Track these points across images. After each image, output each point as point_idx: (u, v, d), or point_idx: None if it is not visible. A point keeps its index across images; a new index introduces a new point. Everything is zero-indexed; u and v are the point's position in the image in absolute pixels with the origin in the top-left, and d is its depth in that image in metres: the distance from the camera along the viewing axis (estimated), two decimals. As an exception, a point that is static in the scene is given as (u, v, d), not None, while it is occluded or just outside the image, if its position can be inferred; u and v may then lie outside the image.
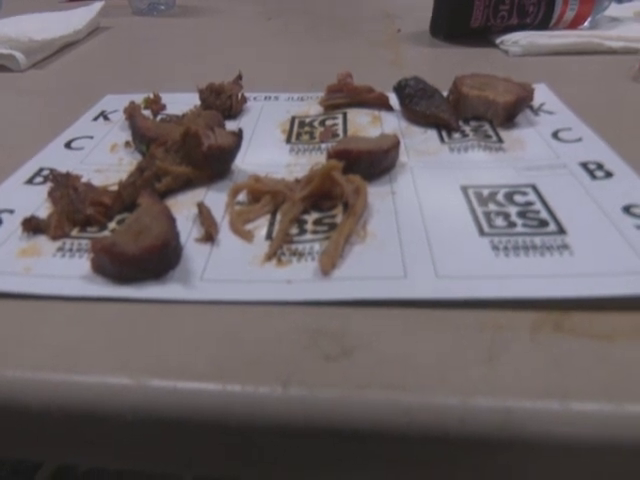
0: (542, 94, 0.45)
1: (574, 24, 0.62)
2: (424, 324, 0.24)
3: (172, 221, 0.28)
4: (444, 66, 0.58)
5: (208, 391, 0.21)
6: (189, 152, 0.34)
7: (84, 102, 0.49)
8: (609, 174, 0.33)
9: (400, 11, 0.81)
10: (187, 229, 0.30)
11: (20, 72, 0.60)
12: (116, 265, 0.26)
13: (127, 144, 0.40)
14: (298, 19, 0.80)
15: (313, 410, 0.21)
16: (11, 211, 0.33)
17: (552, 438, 0.20)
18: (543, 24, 0.61)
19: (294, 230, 0.30)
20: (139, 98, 0.47)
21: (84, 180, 0.35)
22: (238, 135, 0.35)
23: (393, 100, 0.45)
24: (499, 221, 0.29)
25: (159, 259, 0.27)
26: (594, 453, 0.20)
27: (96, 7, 0.76)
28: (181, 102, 0.47)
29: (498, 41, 0.61)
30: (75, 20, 0.71)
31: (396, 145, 0.35)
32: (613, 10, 0.64)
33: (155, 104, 0.46)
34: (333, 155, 0.33)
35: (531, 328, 0.23)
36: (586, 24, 0.62)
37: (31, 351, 0.23)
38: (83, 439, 0.22)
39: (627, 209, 0.30)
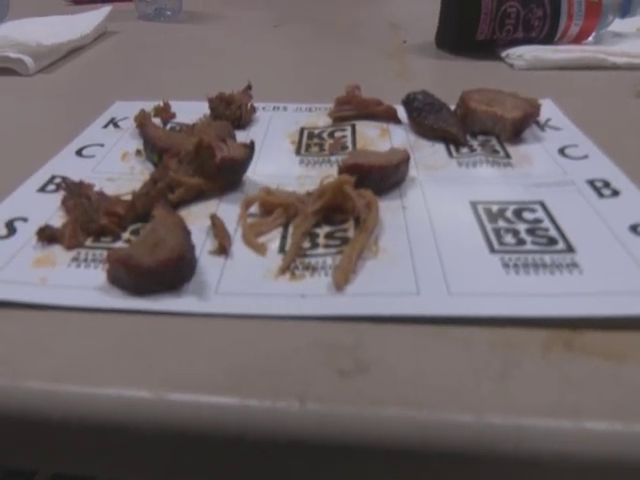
0: (548, 109, 0.46)
1: (578, 39, 0.62)
2: (437, 340, 0.24)
3: (187, 234, 0.28)
4: (450, 78, 0.59)
5: (227, 405, 0.21)
6: (202, 164, 0.34)
7: (92, 107, 0.50)
8: (615, 192, 0.34)
9: (405, 22, 0.82)
10: (201, 241, 0.31)
11: (28, 76, 0.60)
12: (132, 277, 0.27)
13: (138, 153, 0.41)
14: (304, 27, 0.81)
15: (329, 426, 0.21)
16: (25, 219, 0.33)
17: (564, 456, 0.20)
18: (548, 38, 0.62)
19: (306, 244, 0.30)
20: (148, 105, 0.47)
21: (96, 189, 0.35)
22: (250, 147, 0.36)
23: (401, 113, 0.45)
24: (509, 238, 0.30)
25: (175, 272, 0.27)
26: (606, 472, 0.20)
27: (103, 12, 0.77)
28: (190, 111, 0.47)
29: (503, 54, 0.62)
30: (83, 24, 0.72)
31: (406, 160, 0.36)
32: (616, 25, 0.64)
33: (165, 112, 0.47)
34: (344, 169, 0.34)
35: (542, 346, 0.24)
36: (590, 39, 0.63)
37: (49, 362, 0.23)
38: (102, 451, 0.23)
39: (634, 228, 0.30)
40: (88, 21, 0.73)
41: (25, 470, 0.74)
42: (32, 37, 0.61)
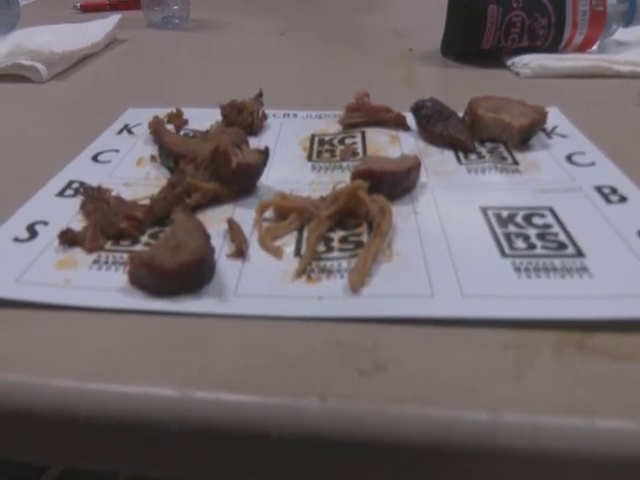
0: (554, 117, 0.47)
1: (583, 47, 0.63)
2: (451, 341, 0.25)
3: (207, 237, 0.29)
4: (456, 86, 0.59)
5: (250, 403, 0.22)
6: (218, 169, 0.35)
7: (105, 114, 0.50)
8: (623, 198, 0.35)
9: (410, 30, 0.83)
10: (218, 244, 0.31)
11: (41, 83, 0.61)
12: (154, 279, 0.27)
13: (153, 158, 0.42)
14: (311, 35, 0.82)
15: (349, 422, 0.22)
16: (45, 223, 0.34)
17: (577, 453, 0.21)
18: (553, 47, 0.63)
19: (321, 247, 0.31)
20: (160, 112, 0.48)
21: (114, 194, 0.36)
22: (264, 153, 0.36)
23: (409, 120, 0.46)
24: (519, 243, 0.31)
25: (195, 273, 0.28)
26: (617, 467, 0.21)
27: (113, 20, 0.78)
28: (202, 117, 0.48)
29: (509, 63, 0.62)
30: (93, 33, 0.73)
31: (417, 166, 0.37)
32: (620, 34, 0.65)
33: (178, 119, 0.48)
34: (357, 175, 0.34)
35: (554, 347, 0.25)
36: (594, 48, 0.64)
37: (75, 361, 0.24)
38: (128, 447, 0.23)
39: (642, 233, 0.31)
40: (98, 29, 0.75)
41: (29, 474, 0.75)
42: (44, 45, 0.62)
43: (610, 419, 0.21)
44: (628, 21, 0.63)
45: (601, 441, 0.21)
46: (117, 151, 0.43)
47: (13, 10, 0.79)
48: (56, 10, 0.98)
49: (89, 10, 0.97)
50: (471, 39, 0.63)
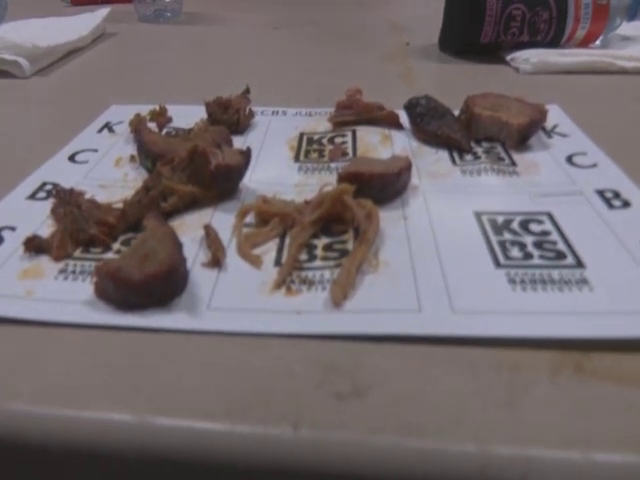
0: (555, 115, 0.45)
1: (585, 42, 0.61)
2: (440, 362, 0.23)
3: (179, 246, 0.27)
4: (454, 82, 0.57)
5: (216, 431, 0.20)
6: (196, 171, 0.33)
7: (88, 111, 0.49)
8: (627, 204, 0.32)
9: (408, 24, 0.81)
10: (193, 252, 0.29)
11: (24, 79, 0.59)
12: (121, 291, 0.25)
13: (132, 158, 0.40)
14: (305, 30, 0.80)
15: (324, 454, 0.20)
16: (13, 228, 0.32)
17: (574, 490, 0.19)
18: (554, 42, 0.61)
19: (303, 256, 0.29)
20: (144, 109, 0.46)
21: (88, 196, 0.34)
22: (246, 154, 0.34)
23: (403, 118, 0.44)
24: (515, 252, 0.29)
25: (165, 286, 0.26)
26: (618, 508, 0.19)
27: (102, 13, 0.76)
28: (187, 115, 0.46)
29: (509, 58, 0.60)
30: (80, 26, 0.71)
31: (408, 167, 0.34)
32: (624, 29, 0.63)
33: (161, 117, 0.45)
34: (344, 178, 0.32)
35: (550, 369, 0.23)
36: (597, 43, 0.62)
37: (30, 382, 0.22)
38: (83, 478, 0.21)
39: (646, 242, 0.29)
40: (86, 22, 0.72)
41: None
42: (28, 39, 0.60)
43: (610, 452, 0.19)
44: (632, 15, 0.61)
45: (600, 476, 0.19)
46: (95, 151, 0.41)
47: (0, 3, 0.77)
48: (46, 3, 0.96)
49: (80, 3, 0.94)
50: (470, 33, 0.61)
